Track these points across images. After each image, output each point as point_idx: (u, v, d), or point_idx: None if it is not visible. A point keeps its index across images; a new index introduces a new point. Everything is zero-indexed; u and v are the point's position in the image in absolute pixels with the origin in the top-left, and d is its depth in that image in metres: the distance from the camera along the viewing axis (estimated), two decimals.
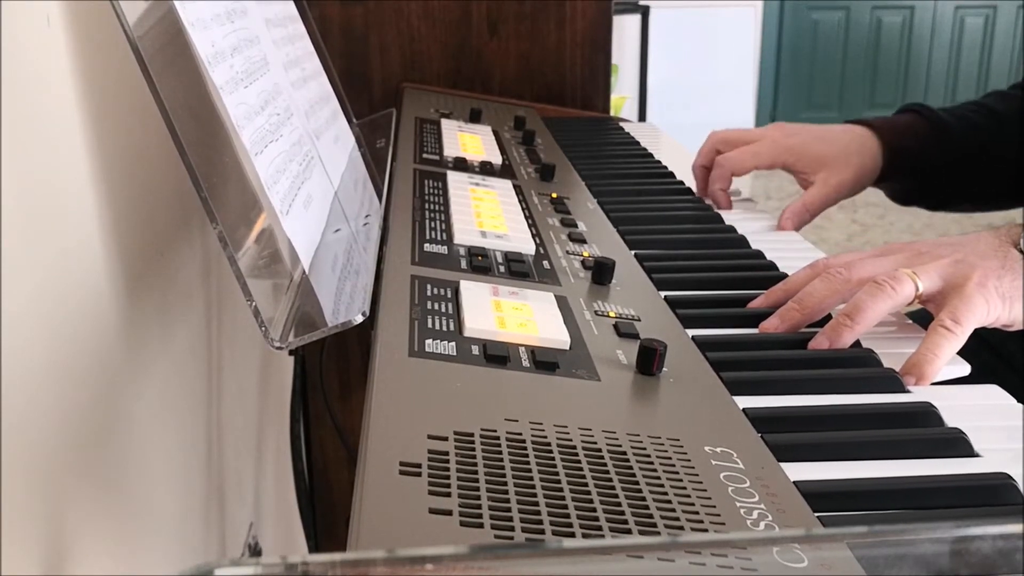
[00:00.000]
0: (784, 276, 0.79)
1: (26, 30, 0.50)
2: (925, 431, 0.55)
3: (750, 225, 0.96)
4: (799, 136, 1.04)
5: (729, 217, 0.98)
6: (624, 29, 4.08)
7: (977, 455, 0.53)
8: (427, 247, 0.72)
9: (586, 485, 0.42)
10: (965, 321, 0.64)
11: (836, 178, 1.01)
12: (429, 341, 0.55)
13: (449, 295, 0.63)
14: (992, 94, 1.12)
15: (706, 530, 0.41)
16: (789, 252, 0.88)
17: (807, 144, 1.03)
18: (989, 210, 1.15)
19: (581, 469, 0.44)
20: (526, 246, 0.76)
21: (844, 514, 0.46)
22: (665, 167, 1.17)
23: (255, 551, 1.07)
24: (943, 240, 0.72)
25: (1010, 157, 1.06)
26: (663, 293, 0.73)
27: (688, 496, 0.43)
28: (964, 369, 0.64)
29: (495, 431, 0.46)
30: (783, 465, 0.49)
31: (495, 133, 1.19)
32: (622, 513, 0.41)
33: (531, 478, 0.42)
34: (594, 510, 0.41)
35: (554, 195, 0.95)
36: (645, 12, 4.02)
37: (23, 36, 0.50)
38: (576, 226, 0.86)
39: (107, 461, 0.61)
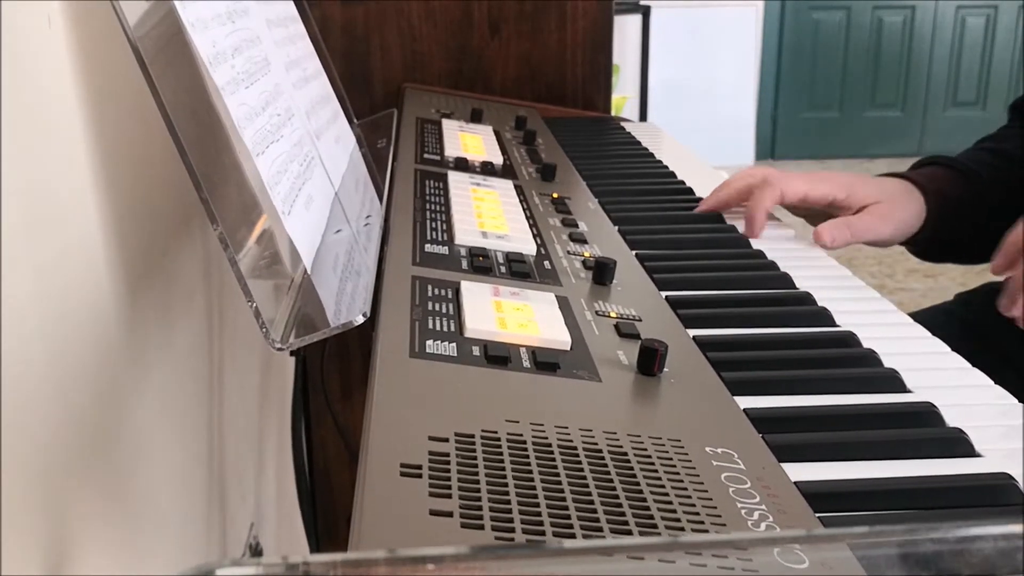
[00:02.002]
0: (786, 276, 0.79)
1: (27, 30, 0.50)
2: (926, 431, 0.55)
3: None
4: (846, 176, 1.01)
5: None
6: (625, 29, 4.08)
7: (978, 455, 0.53)
8: (428, 247, 0.72)
9: (587, 486, 0.42)
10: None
11: (885, 209, 0.97)
12: (430, 342, 0.55)
13: (450, 296, 0.63)
14: (987, 138, 1.09)
15: (707, 531, 0.41)
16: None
17: (857, 183, 0.99)
18: None
19: (582, 470, 0.44)
20: (527, 246, 0.76)
21: (845, 514, 0.46)
22: (666, 167, 1.17)
23: (256, 551, 1.07)
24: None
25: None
26: (664, 293, 0.73)
27: (689, 497, 0.43)
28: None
29: (496, 432, 0.46)
30: (784, 465, 0.49)
31: (496, 133, 1.19)
32: (623, 514, 0.41)
33: (532, 479, 0.42)
34: (595, 511, 0.40)
35: (555, 195, 0.95)
36: (646, 12, 4.02)
37: (24, 36, 0.50)
38: (577, 226, 0.86)
39: (108, 461, 0.61)
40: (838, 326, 0.70)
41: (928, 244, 1.06)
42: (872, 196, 0.96)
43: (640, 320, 0.65)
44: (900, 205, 0.97)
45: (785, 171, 0.99)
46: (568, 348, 0.58)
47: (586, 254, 0.78)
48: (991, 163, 1.03)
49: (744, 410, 0.55)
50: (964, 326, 0.99)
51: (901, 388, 0.60)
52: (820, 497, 0.46)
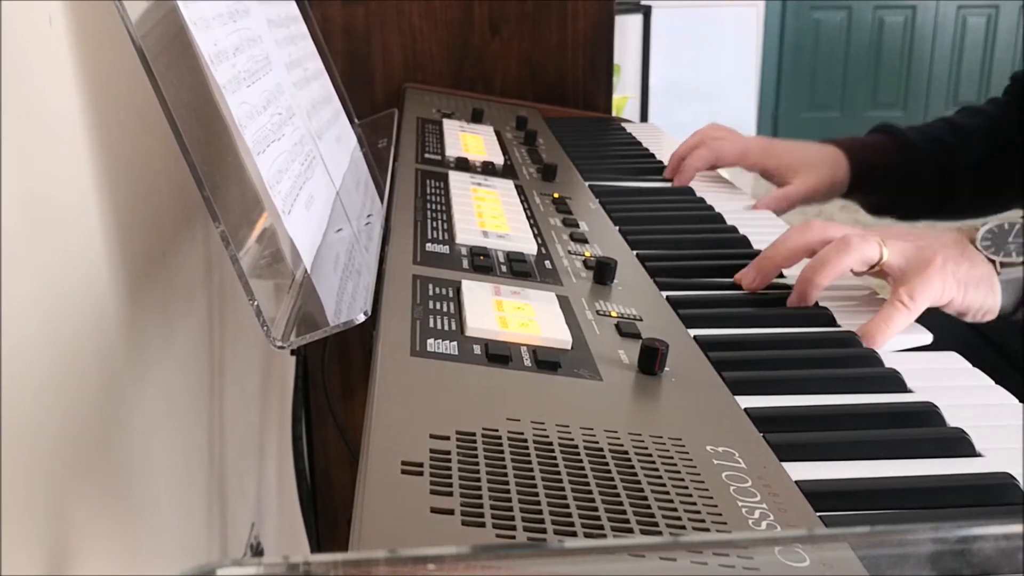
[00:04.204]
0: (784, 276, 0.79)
1: (29, 30, 0.50)
2: (927, 431, 0.55)
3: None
4: (780, 146, 1.17)
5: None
6: (626, 29, 4.08)
7: (979, 455, 0.53)
8: (429, 247, 0.72)
9: (588, 485, 0.42)
10: (919, 298, 0.69)
11: (812, 181, 1.12)
12: (431, 341, 0.55)
13: (451, 295, 0.63)
14: (964, 109, 1.22)
15: (708, 530, 0.41)
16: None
17: (787, 152, 1.15)
18: (951, 220, 1.25)
19: (583, 469, 0.44)
20: (528, 246, 0.76)
21: (846, 514, 0.46)
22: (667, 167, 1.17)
23: (257, 551, 1.07)
24: (912, 230, 0.76)
25: (973, 174, 1.15)
26: (665, 293, 0.73)
27: (690, 496, 0.43)
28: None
29: (497, 431, 0.46)
30: (785, 464, 0.49)
31: (497, 133, 1.19)
32: (624, 513, 0.41)
33: (533, 478, 0.42)
34: (596, 509, 0.40)
35: (556, 195, 0.95)
36: (647, 12, 4.01)
37: (26, 36, 0.50)
38: (578, 226, 0.86)
39: (109, 461, 0.61)
40: (839, 326, 0.70)
41: (861, 202, 1.22)
42: (798, 164, 1.13)
43: (641, 319, 0.65)
44: (824, 172, 1.13)
45: (730, 132, 1.17)
46: (569, 347, 0.58)
47: (587, 254, 0.78)
48: (939, 137, 1.16)
49: (745, 409, 0.55)
50: (965, 326, 0.99)
51: (902, 388, 0.60)
52: (821, 496, 0.46)
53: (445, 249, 0.72)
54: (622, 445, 0.47)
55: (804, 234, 0.75)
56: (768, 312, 0.72)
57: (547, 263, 0.74)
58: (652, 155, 1.24)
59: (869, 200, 1.21)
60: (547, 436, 0.46)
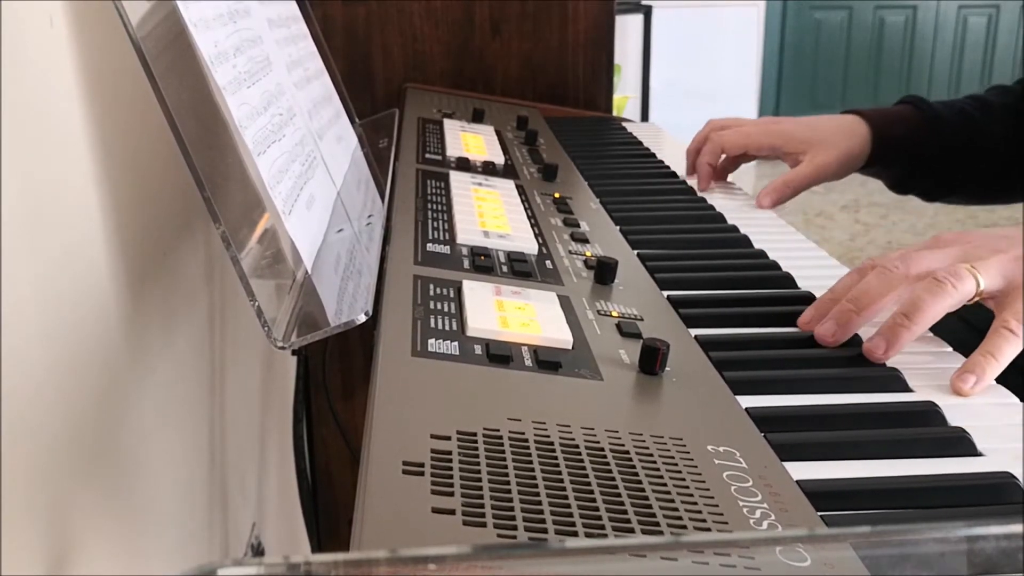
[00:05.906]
0: (788, 276, 0.79)
1: (30, 30, 0.50)
2: (928, 430, 0.55)
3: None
4: (787, 123, 1.11)
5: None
6: (627, 29, 4.08)
7: (980, 454, 0.53)
8: (430, 247, 0.72)
9: (589, 484, 0.42)
10: None
11: (821, 158, 1.05)
12: (432, 341, 0.55)
13: (452, 295, 0.63)
14: (994, 88, 1.16)
15: (709, 529, 0.41)
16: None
17: (795, 129, 1.09)
18: (979, 204, 1.20)
19: (584, 468, 0.44)
20: (529, 246, 0.76)
21: (847, 513, 0.46)
22: (668, 167, 1.17)
23: (258, 551, 1.07)
24: (997, 232, 0.68)
25: (1000, 151, 1.09)
26: (666, 293, 0.73)
27: (691, 495, 0.43)
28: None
29: (498, 430, 0.46)
30: (786, 464, 0.49)
31: (498, 133, 1.19)
32: (625, 512, 0.41)
33: (534, 477, 0.42)
34: (597, 509, 0.40)
35: (557, 195, 0.95)
36: (648, 12, 4.02)
37: (27, 36, 0.50)
38: (579, 226, 0.86)
39: (110, 461, 0.61)
40: None
41: (882, 177, 1.15)
42: (808, 139, 1.07)
43: (642, 319, 0.65)
44: (838, 144, 1.06)
45: (736, 121, 1.12)
46: (570, 347, 0.58)
47: (588, 253, 0.78)
48: (967, 112, 1.10)
49: (746, 409, 0.55)
50: (965, 324, 0.99)
51: (903, 387, 0.60)
52: (822, 496, 0.46)
53: (446, 249, 0.72)
54: (623, 445, 0.47)
55: (886, 277, 0.65)
56: (768, 312, 0.72)
57: (548, 263, 0.74)
58: (653, 155, 1.24)
59: (890, 174, 1.15)
60: (548, 436, 0.46)
